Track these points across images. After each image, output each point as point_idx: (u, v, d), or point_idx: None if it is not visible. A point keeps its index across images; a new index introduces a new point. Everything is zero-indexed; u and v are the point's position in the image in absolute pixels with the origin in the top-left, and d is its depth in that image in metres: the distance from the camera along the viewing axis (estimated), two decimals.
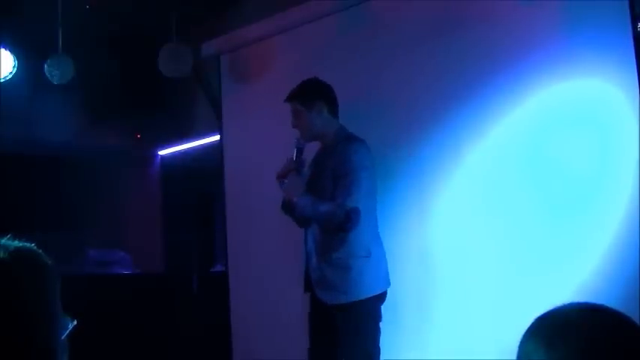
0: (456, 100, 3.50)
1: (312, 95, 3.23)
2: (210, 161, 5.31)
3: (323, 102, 3.23)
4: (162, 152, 6.33)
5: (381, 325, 3.14)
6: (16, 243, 1.10)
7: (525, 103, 3.27)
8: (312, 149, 3.36)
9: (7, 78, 4.78)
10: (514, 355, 1.02)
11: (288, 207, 3.26)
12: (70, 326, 1.12)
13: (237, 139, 4.71)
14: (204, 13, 5.14)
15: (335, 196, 3.05)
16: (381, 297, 3.15)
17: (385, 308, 3.19)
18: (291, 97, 3.25)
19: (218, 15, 5.13)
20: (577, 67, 3.09)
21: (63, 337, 1.11)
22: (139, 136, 6.18)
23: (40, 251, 1.12)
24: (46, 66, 4.63)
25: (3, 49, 4.75)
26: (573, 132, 3.12)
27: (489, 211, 3.38)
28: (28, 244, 1.11)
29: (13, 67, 4.80)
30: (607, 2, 3.01)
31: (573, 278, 3.02)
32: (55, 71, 4.62)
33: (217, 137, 5.00)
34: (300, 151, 3.19)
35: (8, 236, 1.12)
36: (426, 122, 3.63)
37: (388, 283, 3.19)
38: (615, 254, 2.94)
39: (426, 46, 3.66)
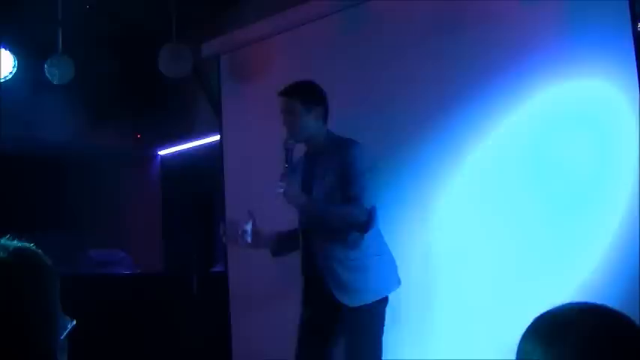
0: (457, 100, 3.50)
1: (314, 98, 3.15)
2: (210, 161, 5.31)
3: (322, 107, 3.16)
4: (162, 152, 6.34)
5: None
6: (16, 243, 1.10)
7: (525, 103, 3.26)
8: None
9: (7, 78, 4.79)
10: (514, 355, 1.02)
11: (281, 251, 3.25)
12: (70, 326, 1.12)
13: (237, 139, 4.71)
14: (204, 13, 5.15)
15: (350, 197, 3.00)
16: (387, 297, 3.14)
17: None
18: (291, 94, 3.15)
19: (218, 15, 5.13)
20: (577, 67, 3.09)
21: (62, 337, 1.11)
22: (139, 136, 6.19)
23: (40, 251, 1.12)
24: (46, 66, 4.64)
25: (3, 49, 4.75)
26: (573, 132, 3.12)
27: (489, 211, 3.38)
28: (27, 244, 1.12)
29: (13, 67, 4.80)
30: (607, 2, 3.01)
31: (573, 278, 3.02)
32: (55, 71, 4.62)
33: (217, 137, 5.00)
34: (290, 152, 3.10)
35: (8, 236, 1.12)
36: (426, 122, 3.62)
37: (399, 282, 3.16)
38: (615, 254, 2.94)
39: (426, 46, 3.66)
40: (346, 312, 3.02)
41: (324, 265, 3.05)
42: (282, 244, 3.26)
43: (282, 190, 3.00)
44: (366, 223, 3.00)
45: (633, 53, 2.93)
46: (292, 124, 3.13)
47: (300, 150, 3.22)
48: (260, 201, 4.29)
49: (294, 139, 3.11)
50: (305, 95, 3.14)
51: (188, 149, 5.99)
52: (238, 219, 3.25)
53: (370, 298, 3.03)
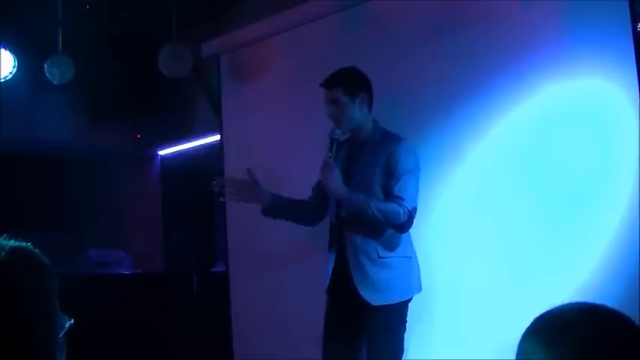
0: (457, 99, 3.50)
1: (358, 86, 3.04)
2: (210, 161, 5.31)
3: (366, 94, 3.05)
4: (162, 152, 6.33)
5: None
6: (13, 242, 1.10)
7: (525, 102, 3.27)
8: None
9: (7, 78, 4.79)
10: (513, 355, 1.02)
11: (271, 211, 3.22)
12: (67, 325, 1.12)
13: (237, 139, 4.71)
14: (204, 13, 5.15)
15: (394, 194, 2.94)
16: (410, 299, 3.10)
17: None
18: (333, 85, 3.02)
19: (218, 15, 5.13)
20: (577, 66, 3.09)
21: (60, 336, 1.11)
22: (139, 136, 6.19)
23: (37, 250, 1.12)
24: (46, 66, 4.64)
25: (3, 49, 4.75)
26: (573, 131, 3.12)
27: (489, 211, 3.38)
28: (25, 244, 1.12)
29: (13, 67, 4.80)
30: (607, 2, 3.01)
31: (573, 278, 3.02)
32: (55, 71, 4.62)
33: (217, 137, 5.00)
34: (335, 143, 2.98)
35: (5, 236, 1.12)
36: (426, 122, 3.62)
37: (421, 288, 3.13)
38: (615, 254, 2.94)
39: (426, 46, 3.66)
40: (369, 310, 2.97)
41: (354, 259, 2.99)
42: (275, 204, 3.21)
43: (325, 180, 2.96)
44: (406, 223, 2.96)
45: (633, 53, 2.93)
46: (337, 115, 3.02)
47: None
48: None
49: (341, 130, 3.03)
50: (347, 84, 3.02)
51: (188, 149, 5.99)
52: (235, 176, 3.26)
53: (393, 298, 2.99)
